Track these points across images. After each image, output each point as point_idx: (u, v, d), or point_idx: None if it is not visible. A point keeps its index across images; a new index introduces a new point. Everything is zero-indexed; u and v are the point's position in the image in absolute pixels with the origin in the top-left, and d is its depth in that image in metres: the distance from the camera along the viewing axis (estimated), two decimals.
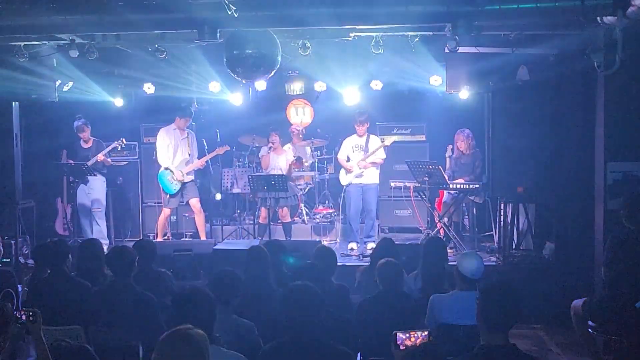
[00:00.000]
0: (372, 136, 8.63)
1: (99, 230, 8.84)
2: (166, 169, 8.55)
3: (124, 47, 7.66)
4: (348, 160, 8.64)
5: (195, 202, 8.69)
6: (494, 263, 7.47)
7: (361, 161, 8.44)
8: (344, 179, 8.67)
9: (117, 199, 9.56)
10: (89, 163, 8.66)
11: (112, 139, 8.98)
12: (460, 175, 8.44)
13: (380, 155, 8.52)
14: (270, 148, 8.76)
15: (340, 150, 8.83)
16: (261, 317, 4.15)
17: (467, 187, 8.11)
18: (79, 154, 8.84)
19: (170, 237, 9.08)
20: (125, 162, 9.62)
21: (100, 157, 8.72)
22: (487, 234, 9.00)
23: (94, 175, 8.69)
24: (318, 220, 9.63)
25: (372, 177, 8.56)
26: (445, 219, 8.16)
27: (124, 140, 8.96)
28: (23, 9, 6.01)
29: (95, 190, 8.82)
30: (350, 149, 8.62)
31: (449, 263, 5.30)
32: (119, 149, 9.03)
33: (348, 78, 9.12)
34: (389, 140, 8.58)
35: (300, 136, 10.22)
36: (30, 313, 3.37)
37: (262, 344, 3.70)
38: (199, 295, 3.32)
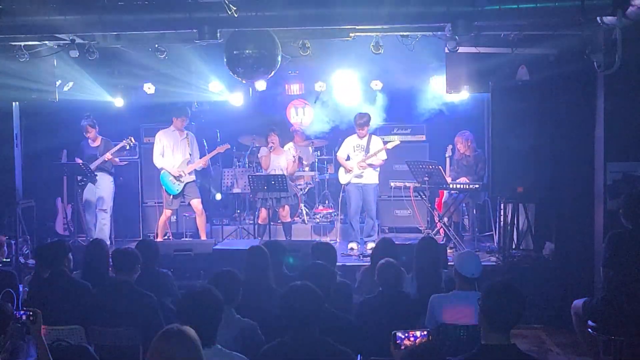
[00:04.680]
0: (373, 137, 8.62)
1: (102, 230, 8.81)
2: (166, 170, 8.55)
3: (124, 47, 7.67)
4: (348, 159, 8.64)
5: (197, 203, 8.68)
6: (494, 263, 7.46)
7: (361, 161, 8.44)
8: (343, 177, 8.67)
9: (117, 198, 9.55)
10: (96, 163, 8.62)
11: (112, 139, 8.95)
12: (463, 177, 8.43)
13: (382, 157, 8.51)
14: (270, 148, 8.76)
15: (340, 148, 8.82)
16: (260, 317, 4.14)
17: (467, 187, 8.10)
18: (86, 153, 8.77)
19: (171, 237, 9.08)
20: (125, 162, 9.62)
21: (108, 156, 8.66)
22: (487, 234, 9.01)
23: (95, 176, 8.65)
24: (318, 220, 9.63)
25: (371, 177, 8.56)
26: (445, 219, 8.16)
27: (132, 139, 8.90)
28: (23, 9, 6.02)
29: (102, 189, 8.77)
30: (351, 148, 8.62)
31: (449, 263, 5.29)
32: (127, 148, 8.99)
33: (348, 78, 9.13)
34: (392, 143, 8.56)
35: (303, 136, 10.27)
36: (31, 313, 3.38)
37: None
38: (208, 294, 3.32)
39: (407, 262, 5.23)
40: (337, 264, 5.29)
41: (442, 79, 8.17)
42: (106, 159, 8.69)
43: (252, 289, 4.47)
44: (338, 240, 9.09)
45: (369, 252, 7.57)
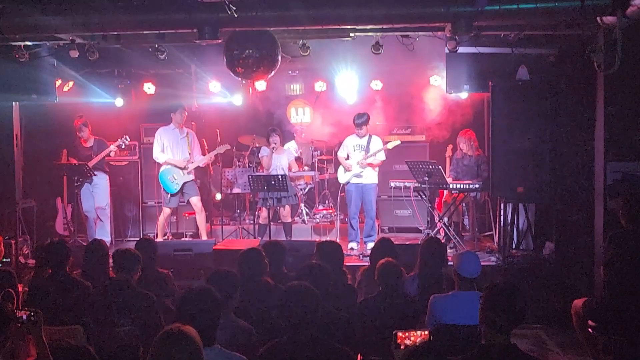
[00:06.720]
0: (373, 137, 8.61)
1: (102, 229, 8.82)
2: (167, 166, 8.53)
3: (124, 47, 7.67)
4: (348, 158, 8.64)
5: (196, 201, 8.68)
6: (494, 263, 7.46)
7: (361, 161, 8.44)
8: (342, 177, 8.67)
9: (117, 198, 9.56)
10: (93, 162, 8.62)
11: (112, 139, 8.96)
12: (464, 178, 8.42)
13: (380, 157, 8.50)
14: (273, 149, 8.75)
15: (340, 148, 8.82)
16: (257, 318, 4.13)
17: (467, 187, 8.09)
18: (81, 154, 8.80)
19: (171, 237, 9.08)
20: (125, 162, 9.62)
21: (114, 148, 8.69)
22: (487, 234, 9.01)
23: (95, 175, 8.66)
24: (318, 220, 9.63)
25: (371, 176, 8.56)
26: (445, 219, 8.16)
27: (127, 137, 8.91)
28: (23, 9, 6.02)
29: (99, 189, 8.79)
30: (351, 148, 8.61)
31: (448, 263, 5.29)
32: (123, 146, 8.98)
33: (348, 78, 9.13)
34: (393, 143, 8.55)
35: (302, 135, 10.26)
36: (32, 313, 3.37)
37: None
38: (208, 295, 3.32)
39: (406, 262, 5.23)
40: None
41: (442, 79, 8.17)
42: (112, 151, 8.75)
43: (248, 290, 4.45)
44: (338, 240, 9.07)
45: (369, 252, 7.56)
